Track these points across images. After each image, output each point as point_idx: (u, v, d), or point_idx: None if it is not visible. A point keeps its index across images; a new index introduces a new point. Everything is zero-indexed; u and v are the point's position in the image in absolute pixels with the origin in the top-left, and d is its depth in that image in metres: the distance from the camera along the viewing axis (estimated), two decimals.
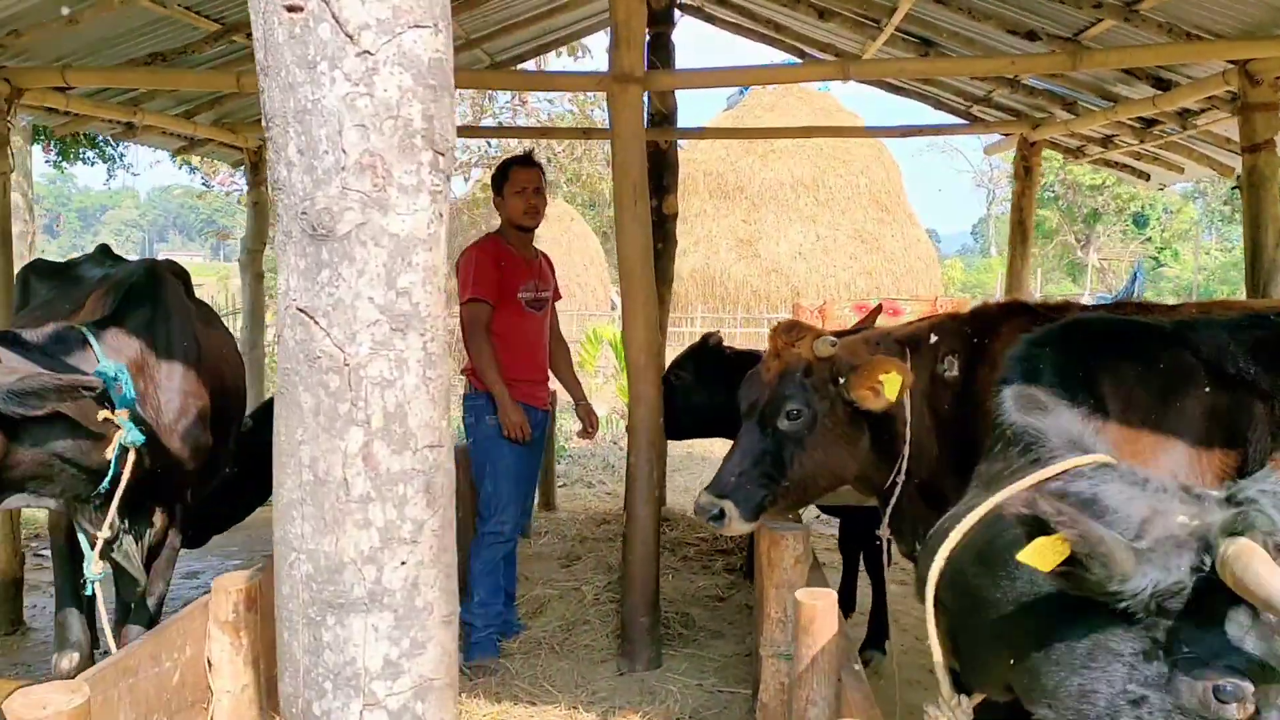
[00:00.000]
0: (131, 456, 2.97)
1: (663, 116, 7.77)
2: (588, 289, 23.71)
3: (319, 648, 1.42)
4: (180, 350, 3.39)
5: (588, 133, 8.07)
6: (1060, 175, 32.10)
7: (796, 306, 16.19)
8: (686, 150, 24.64)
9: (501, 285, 4.69)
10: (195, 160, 14.83)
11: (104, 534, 3.01)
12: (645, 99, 4.98)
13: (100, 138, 14.64)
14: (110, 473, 2.95)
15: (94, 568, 3.02)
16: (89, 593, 3.09)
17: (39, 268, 4.34)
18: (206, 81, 5.60)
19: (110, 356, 3.02)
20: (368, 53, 1.32)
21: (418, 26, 1.35)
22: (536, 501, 6.70)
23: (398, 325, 1.37)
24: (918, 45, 6.41)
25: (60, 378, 2.73)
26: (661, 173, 7.76)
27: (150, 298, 3.36)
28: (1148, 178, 8.26)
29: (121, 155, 19.72)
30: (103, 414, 2.90)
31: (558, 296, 5.19)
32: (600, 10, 8.04)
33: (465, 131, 8.53)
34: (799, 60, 7.75)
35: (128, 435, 2.92)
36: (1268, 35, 4.65)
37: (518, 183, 4.75)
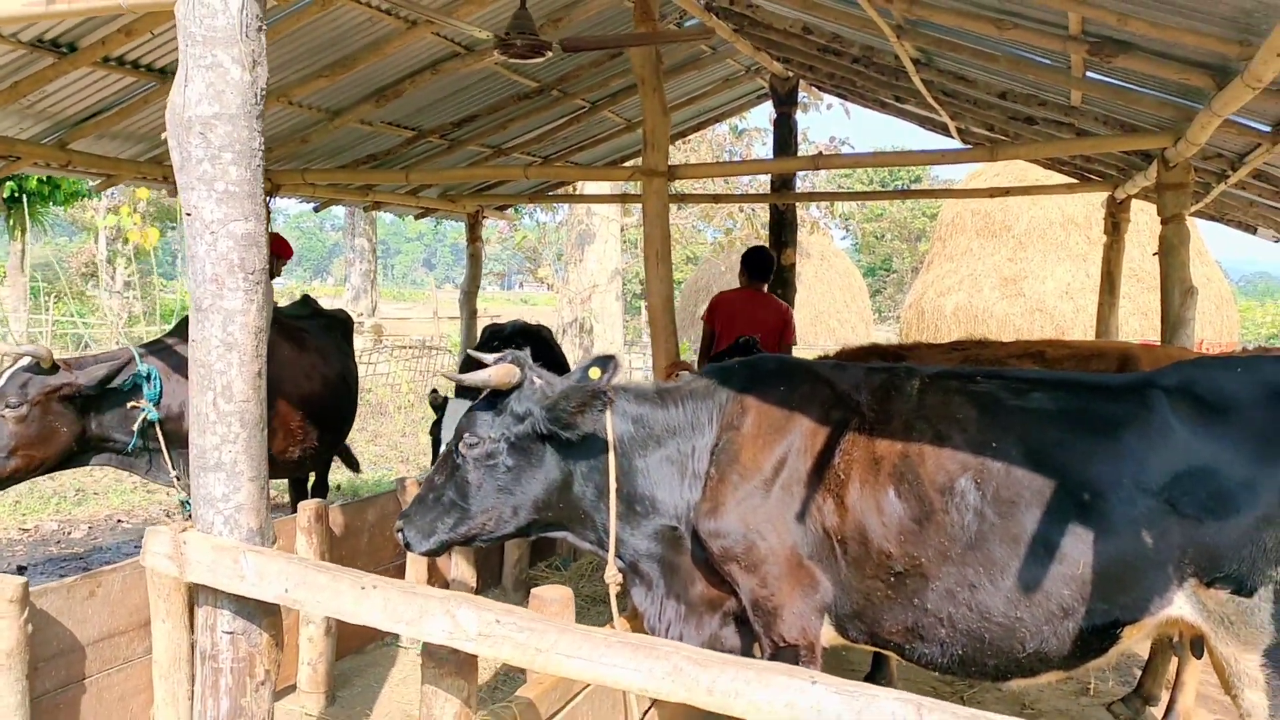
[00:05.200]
0: (158, 430, 5.29)
1: (782, 182, 9.29)
2: (847, 325, 24.92)
3: (197, 488, 3.27)
4: None
5: (625, 197, 10.12)
6: None
7: None
8: None
9: None
10: None
11: (174, 475, 5.35)
12: (669, 188, 6.60)
13: None
14: (134, 440, 5.34)
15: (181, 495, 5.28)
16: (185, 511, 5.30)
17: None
18: (386, 177, 7.83)
19: (148, 363, 5.36)
20: (213, 232, 3.18)
21: (235, 220, 3.18)
22: None
23: (228, 347, 3.20)
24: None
25: (108, 367, 5.20)
26: (781, 230, 9.29)
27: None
28: (1254, 230, 8.73)
29: None
30: (131, 403, 5.29)
31: None
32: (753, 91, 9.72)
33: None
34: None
35: (150, 414, 5.25)
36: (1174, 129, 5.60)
37: None
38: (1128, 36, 4.37)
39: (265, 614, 3.31)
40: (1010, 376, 3.77)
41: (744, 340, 6.48)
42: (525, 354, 3.72)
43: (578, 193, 12.08)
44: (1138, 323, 22.52)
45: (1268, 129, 5.09)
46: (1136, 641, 3.65)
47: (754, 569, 3.67)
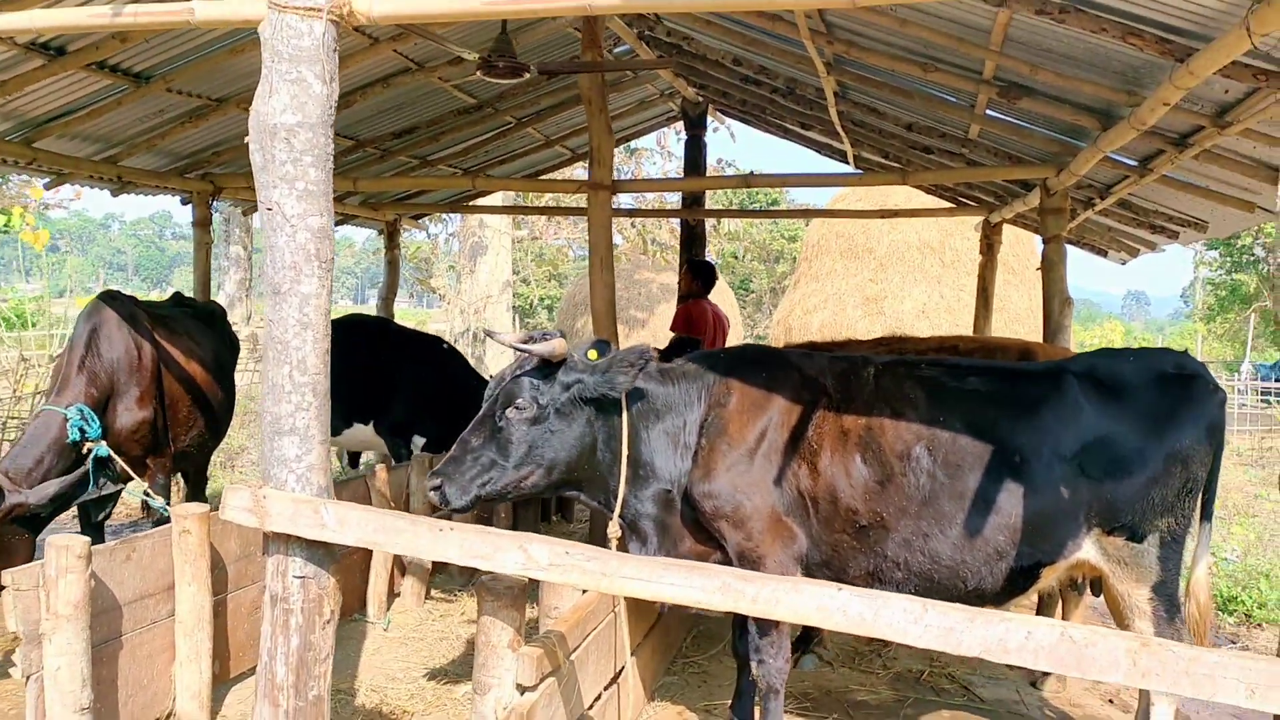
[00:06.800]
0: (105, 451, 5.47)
1: (693, 199, 9.99)
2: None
3: (272, 450, 3.69)
4: (124, 367, 5.85)
5: (561, 210, 10.86)
6: (1260, 239, 31.87)
7: None
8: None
9: None
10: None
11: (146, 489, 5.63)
12: (614, 200, 7.20)
13: None
14: (90, 485, 5.43)
15: (154, 500, 5.57)
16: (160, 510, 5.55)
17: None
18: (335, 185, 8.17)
19: (81, 401, 5.49)
20: (294, 225, 3.62)
21: (313, 215, 3.64)
22: None
23: (303, 326, 3.65)
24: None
25: (66, 481, 5.21)
26: (692, 243, 9.97)
27: (97, 346, 5.77)
28: (1105, 253, 9.86)
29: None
30: (86, 445, 5.40)
31: None
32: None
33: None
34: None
35: (100, 451, 5.43)
36: (1056, 162, 6.51)
37: None
38: (1032, 83, 5.20)
39: (331, 560, 3.76)
40: (949, 364, 4.53)
41: (681, 338, 7.14)
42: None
43: (488, 205, 12.52)
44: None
45: (1135, 164, 6.03)
46: (1051, 582, 4.43)
47: (740, 525, 4.29)
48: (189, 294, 8.26)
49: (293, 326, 3.67)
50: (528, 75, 5.82)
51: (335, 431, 8.18)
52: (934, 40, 5.02)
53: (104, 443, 5.49)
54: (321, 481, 3.73)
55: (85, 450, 5.41)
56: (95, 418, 5.51)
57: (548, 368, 4.16)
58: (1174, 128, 5.10)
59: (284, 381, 3.68)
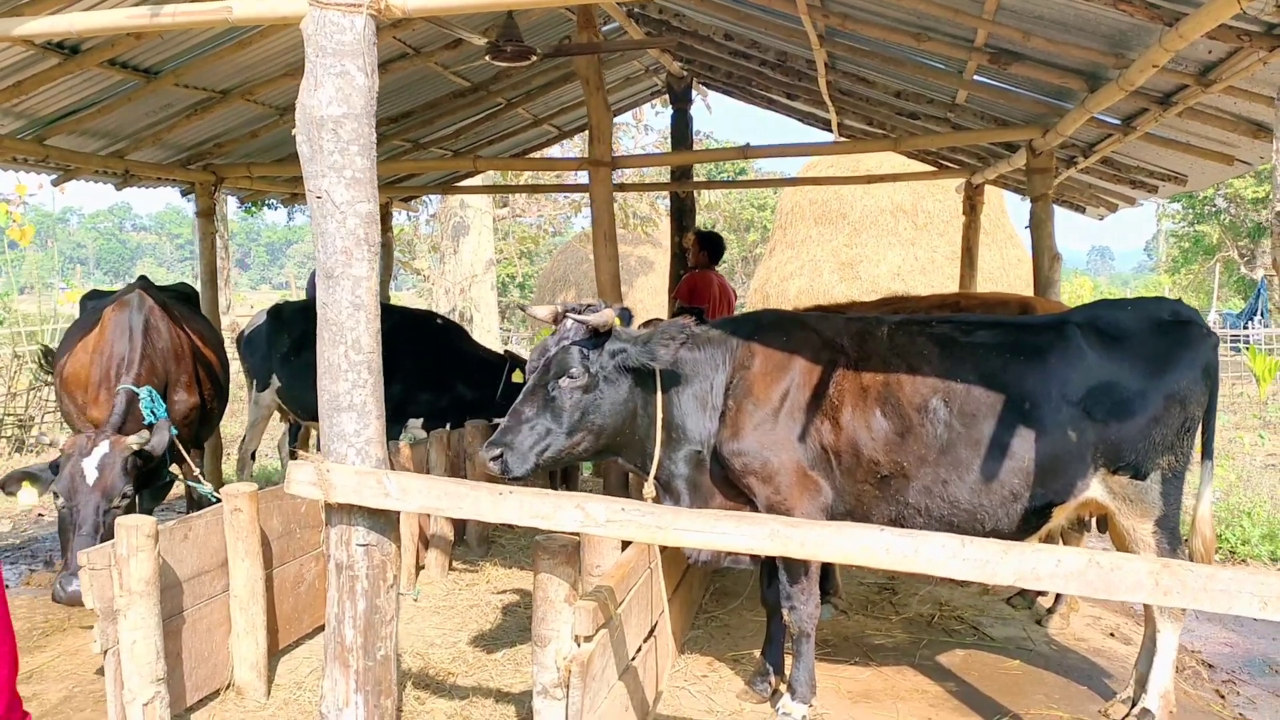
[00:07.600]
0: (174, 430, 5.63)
1: (682, 172, 10.18)
2: None
3: (331, 426, 3.89)
4: (175, 352, 6.09)
5: (542, 188, 11.04)
6: (1221, 190, 32.30)
7: None
8: None
9: None
10: None
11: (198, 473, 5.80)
12: (613, 175, 7.40)
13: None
14: (168, 461, 5.62)
15: (201, 486, 5.71)
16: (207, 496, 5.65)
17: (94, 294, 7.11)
18: None
19: (144, 383, 5.66)
20: (343, 212, 3.81)
21: (361, 201, 3.82)
22: None
23: (356, 308, 3.84)
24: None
25: (160, 435, 5.33)
26: (682, 215, 10.18)
27: (151, 337, 5.93)
28: (1083, 210, 10.15)
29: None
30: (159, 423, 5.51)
31: None
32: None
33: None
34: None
35: (172, 430, 5.56)
36: (1042, 123, 6.75)
37: None
38: (1024, 50, 5.43)
39: (391, 528, 3.97)
40: (957, 321, 4.78)
41: (685, 308, 7.38)
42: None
43: (473, 185, 12.65)
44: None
45: (1119, 122, 6.29)
46: (1061, 521, 4.71)
47: (769, 480, 4.54)
48: (190, 285, 8.38)
49: (346, 308, 3.86)
50: (534, 59, 5.99)
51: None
52: (928, 11, 5.23)
53: (171, 425, 5.62)
54: (379, 454, 3.94)
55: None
56: (161, 401, 5.71)
57: (595, 338, 4.37)
58: (1159, 87, 5.35)
59: (340, 361, 3.88)
